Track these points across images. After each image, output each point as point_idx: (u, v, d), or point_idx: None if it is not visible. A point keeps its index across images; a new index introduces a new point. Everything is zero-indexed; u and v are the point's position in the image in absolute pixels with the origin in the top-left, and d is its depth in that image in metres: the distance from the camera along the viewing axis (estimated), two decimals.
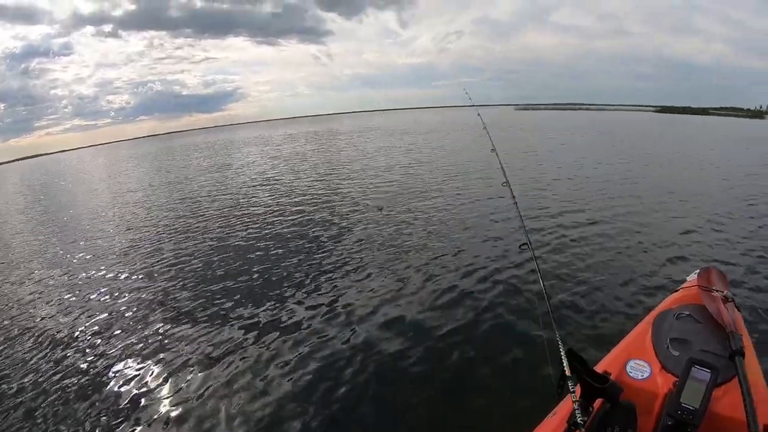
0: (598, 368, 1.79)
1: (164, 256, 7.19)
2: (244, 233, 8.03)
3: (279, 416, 3.24)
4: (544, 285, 2.58)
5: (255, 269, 6.19)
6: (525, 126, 39.94)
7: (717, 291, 2.39)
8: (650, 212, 8.34)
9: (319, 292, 5.26)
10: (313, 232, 7.58)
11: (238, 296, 5.39)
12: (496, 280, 5.30)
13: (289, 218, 8.68)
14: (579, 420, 1.52)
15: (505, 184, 3.67)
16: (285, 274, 5.95)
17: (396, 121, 63.04)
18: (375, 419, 3.15)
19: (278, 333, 4.41)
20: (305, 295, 5.22)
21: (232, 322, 4.70)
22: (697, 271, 2.83)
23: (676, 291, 2.67)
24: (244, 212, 9.66)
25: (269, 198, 11.28)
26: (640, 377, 1.84)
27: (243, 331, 4.52)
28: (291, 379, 3.68)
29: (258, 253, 6.84)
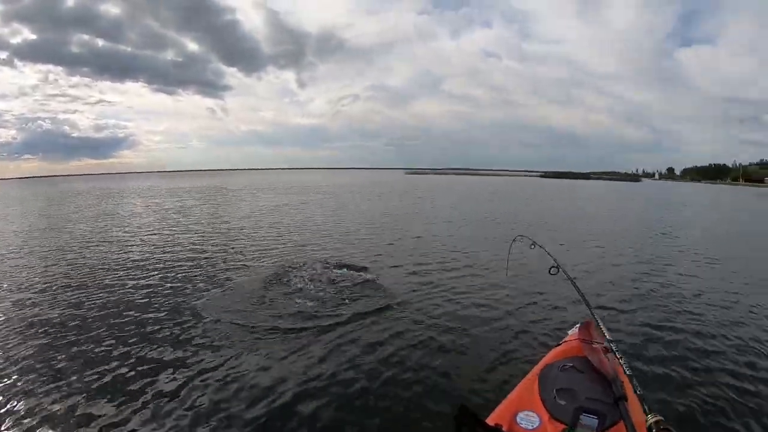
0: (489, 421, 1.83)
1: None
2: (110, 290, 7.21)
3: None
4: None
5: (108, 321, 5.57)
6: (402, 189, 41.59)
7: (597, 342, 2.52)
8: (529, 268, 8.27)
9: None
10: (183, 300, 6.89)
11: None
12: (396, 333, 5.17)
13: (164, 274, 7.96)
14: None
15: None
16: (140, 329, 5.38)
17: (289, 180, 63.39)
18: None
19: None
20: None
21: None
22: (578, 324, 2.93)
23: (559, 345, 2.76)
24: (116, 266, 8.73)
25: (146, 251, 10.31)
26: (530, 427, 1.85)
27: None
28: None
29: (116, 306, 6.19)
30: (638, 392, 1.93)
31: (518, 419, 1.89)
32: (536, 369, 2.37)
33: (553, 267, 3.16)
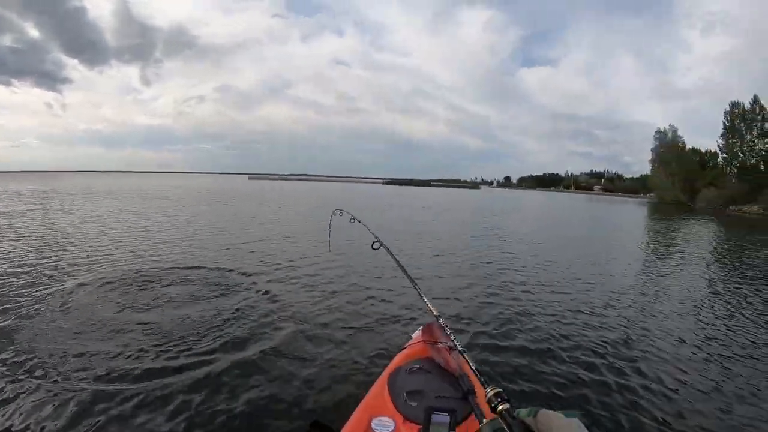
0: (345, 430, 1.91)
1: None
2: None
3: None
4: None
5: None
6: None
7: (441, 342, 2.54)
8: (365, 275, 8.13)
9: None
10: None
11: None
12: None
13: None
14: None
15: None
16: None
17: (128, 184, 58.91)
18: None
19: None
20: None
21: None
22: (420, 327, 2.99)
23: (404, 348, 2.80)
24: None
25: None
26: None
27: None
28: None
29: None
30: (483, 383, 1.80)
31: (373, 425, 1.91)
32: (385, 374, 2.39)
33: (375, 242, 3.06)
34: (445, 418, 1.81)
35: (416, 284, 2.72)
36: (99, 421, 3.22)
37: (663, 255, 12.71)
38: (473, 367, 2.07)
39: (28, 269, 7.96)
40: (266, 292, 6.65)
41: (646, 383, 3.99)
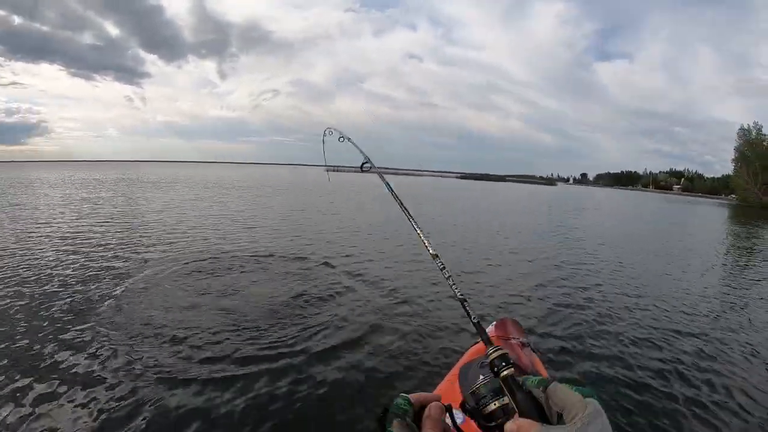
0: None
1: None
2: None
3: None
4: None
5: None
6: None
7: (514, 338, 2.55)
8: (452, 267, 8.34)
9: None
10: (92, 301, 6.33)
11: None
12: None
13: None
14: None
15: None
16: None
17: (205, 175, 60.71)
18: None
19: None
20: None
21: None
22: (494, 322, 2.95)
23: (476, 343, 2.75)
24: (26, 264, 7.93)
25: (58, 246, 9.41)
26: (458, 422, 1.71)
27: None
28: None
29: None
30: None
31: None
32: (457, 366, 2.38)
33: (365, 163, 2.86)
34: None
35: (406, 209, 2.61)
36: (176, 402, 3.43)
37: (744, 263, 11.82)
38: (546, 366, 2.21)
39: (110, 251, 8.57)
40: (339, 282, 6.84)
41: (716, 399, 3.81)
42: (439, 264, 2.02)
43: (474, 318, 1.75)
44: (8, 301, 5.85)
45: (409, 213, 2.04)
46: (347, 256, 8.85)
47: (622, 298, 6.80)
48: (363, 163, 2.76)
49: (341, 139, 3.33)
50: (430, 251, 1.95)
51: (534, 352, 2.59)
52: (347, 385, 3.80)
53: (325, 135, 3.84)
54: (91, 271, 7.23)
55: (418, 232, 2.13)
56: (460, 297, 1.86)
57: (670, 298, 7.09)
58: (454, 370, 2.37)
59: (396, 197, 2.18)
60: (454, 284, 1.97)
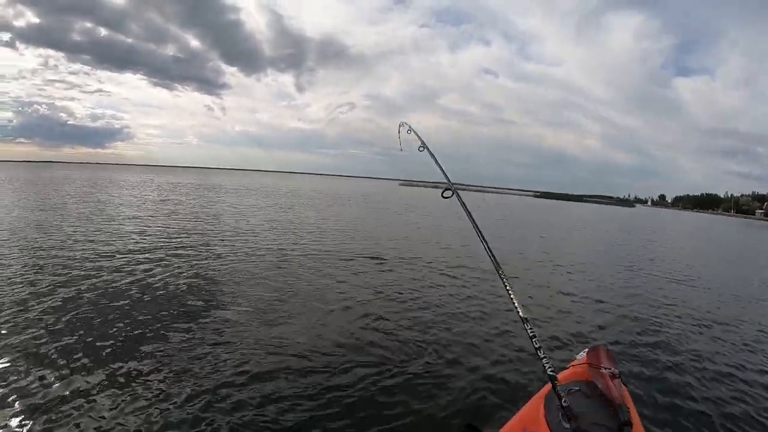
0: None
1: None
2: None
3: None
4: None
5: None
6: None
7: (605, 368, 2.54)
8: (538, 290, 8.67)
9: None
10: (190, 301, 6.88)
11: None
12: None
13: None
14: None
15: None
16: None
17: (279, 184, 61.85)
18: None
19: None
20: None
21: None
22: (586, 349, 3.00)
23: (567, 368, 2.82)
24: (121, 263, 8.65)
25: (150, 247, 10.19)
26: None
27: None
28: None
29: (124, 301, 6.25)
30: (643, 420, 2.03)
31: None
32: (543, 391, 2.39)
33: (446, 190, 2.67)
34: None
35: (465, 207, 2.59)
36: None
37: None
38: (633, 400, 2.27)
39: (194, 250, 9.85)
40: (421, 297, 7.34)
41: None
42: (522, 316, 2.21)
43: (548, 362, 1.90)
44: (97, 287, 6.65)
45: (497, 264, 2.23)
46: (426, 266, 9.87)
47: (720, 334, 6.71)
48: (444, 190, 2.70)
49: (421, 148, 3.32)
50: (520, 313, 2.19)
51: (624, 384, 2.56)
52: (430, 398, 4.03)
53: (400, 127, 4.00)
54: (176, 268, 8.20)
55: (508, 288, 2.43)
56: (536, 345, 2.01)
57: None
58: (542, 392, 2.39)
59: (478, 231, 2.44)
60: (531, 331, 2.15)
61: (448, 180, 2.64)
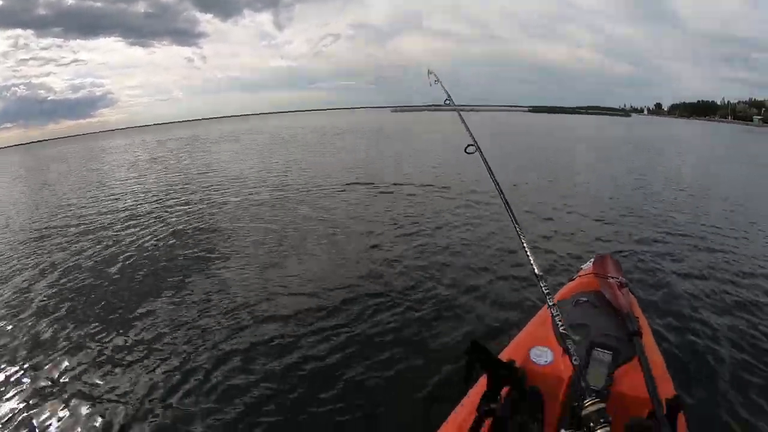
0: (503, 356, 1.88)
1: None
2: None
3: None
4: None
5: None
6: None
7: (612, 277, 2.55)
8: (541, 204, 8.66)
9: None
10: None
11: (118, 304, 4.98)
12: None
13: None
14: (489, 408, 1.61)
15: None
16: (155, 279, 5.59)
17: (280, 126, 60.38)
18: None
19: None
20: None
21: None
22: (592, 259, 2.99)
23: (573, 279, 2.81)
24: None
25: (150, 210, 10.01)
26: (543, 363, 1.91)
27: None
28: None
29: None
30: (652, 329, 2.06)
31: (531, 355, 1.95)
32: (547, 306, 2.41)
33: (470, 145, 2.62)
34: (606, 356, 1.79)
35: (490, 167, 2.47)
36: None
37: None
38: (642, 309, 2.27)
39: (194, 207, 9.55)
40: (418, 222, 7.38)
41: None
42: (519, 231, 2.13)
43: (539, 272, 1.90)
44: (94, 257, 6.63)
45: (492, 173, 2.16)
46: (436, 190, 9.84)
47: (714, 240, 6.58)
48: (467, 146, 2.66)
49: (436, 82, 3.50)
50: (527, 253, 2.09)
51: (632, 293, 2.56)
52: (436, 319, 4.11)
53: (429, 74, 4.06)
54: (164, 225, 8.23)
55: (513, 219, 2.25)
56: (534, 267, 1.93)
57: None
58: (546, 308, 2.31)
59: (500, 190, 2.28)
60: (527, 249, 2.03)
61: (473, 137, 2.61)
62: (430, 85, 3.63)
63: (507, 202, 2.28)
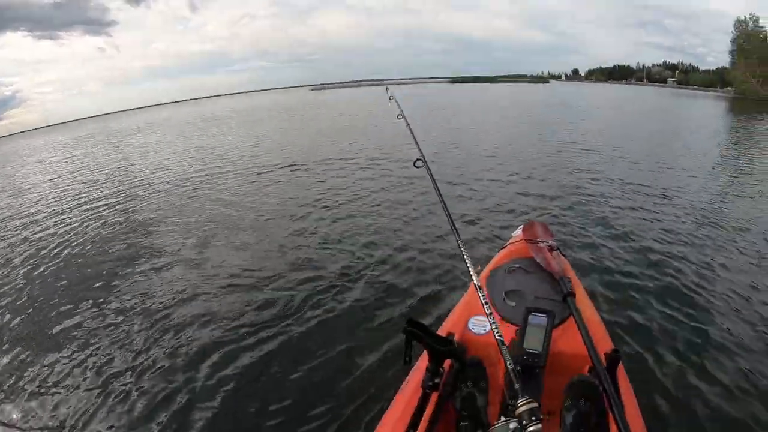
0: (442, 330, 1.93)
1: None
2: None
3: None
4: None
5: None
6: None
7: (542, 242, 2.58)
8: (465, 176, 8.75)
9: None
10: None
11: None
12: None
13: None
14: (432, 383, 1.63)
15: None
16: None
17: (187, 113, 58.80)
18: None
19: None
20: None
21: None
22: (521, 225, 3.00)
23: (504, 247, 2.82)
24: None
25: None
26: (482, 332, 1.95)
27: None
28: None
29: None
30: (586, 287, 2.12)
31: (470, 325, 1.99)
32: (484, 274, 2.42)
33: (418, 159, 2.59)
34: (542, 319, 1.78)
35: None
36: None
37: (746, 157, 11.42)
38: (574, 270, 2.28)
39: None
40: (344, 201, 7.39)
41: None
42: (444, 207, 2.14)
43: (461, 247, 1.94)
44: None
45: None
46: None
47: (635, 198, 7.02)
48: (416, 160, 2.54)
49: (399, 116, 3.25)
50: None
51: (563, 255, 2.60)
52: (372, 302, 4.07)
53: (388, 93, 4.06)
54: (81, 229, 7.63)
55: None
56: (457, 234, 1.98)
57: (678, 189, 7.52)
58: (482, 276, 2.38)
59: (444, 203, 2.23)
60: (453, 228, 2.05)
61: (421, 151, 2.58)
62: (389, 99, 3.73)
63: (433, 178, 2.34)
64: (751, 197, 7.20)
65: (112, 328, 4.16)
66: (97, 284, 5.17)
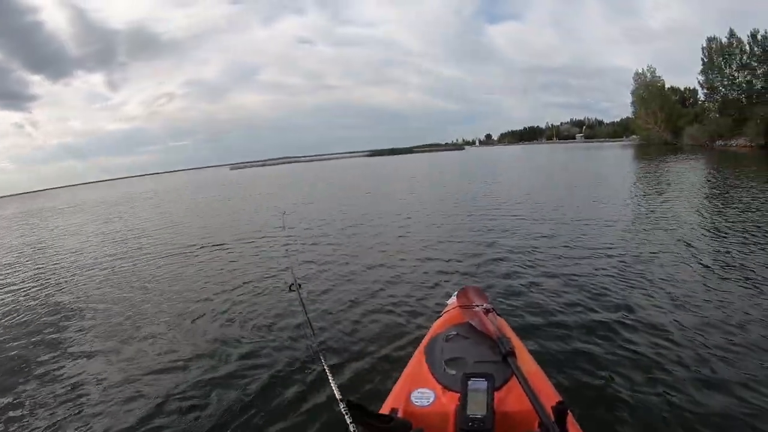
0: (385, 406, 1.94)
1: None
2: None
3: None
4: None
5: None
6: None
7: (477, 306, 2.61)
8: (390, 245, 8.85)
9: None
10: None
11: None
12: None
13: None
14: None
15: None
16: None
17: (99, 194, 57.67)
18: None
19: None
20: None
21: None
22: (456, 292, 3.04)
23: (441, 316, 2.86)
24: None
25: None
26: (426, 404, 1.92)
27: None
28: None
29: None
30: (526, 345, 2.17)
31: (413, 398, 1.96)
32: (422, 344, 2.44)
33: (292, 284, 2.97)
34: (482, 383, 1.79)
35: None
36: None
37: (654, 194, 13.08)
38: (512, 328, 2.36)
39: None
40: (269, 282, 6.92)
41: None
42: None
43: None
44: None
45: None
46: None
47: (550, 243, 7.51)
48: (290, 284, 2.92)
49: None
50: None
51: (499, 316, 2.66)
52: (307, 384, 3.75)
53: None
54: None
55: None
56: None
57: (592, 227, 8.50)
58: (421, 347, 2.42)
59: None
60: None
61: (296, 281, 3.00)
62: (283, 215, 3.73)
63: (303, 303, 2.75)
64: (665, 230, 7.97)
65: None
66: None
